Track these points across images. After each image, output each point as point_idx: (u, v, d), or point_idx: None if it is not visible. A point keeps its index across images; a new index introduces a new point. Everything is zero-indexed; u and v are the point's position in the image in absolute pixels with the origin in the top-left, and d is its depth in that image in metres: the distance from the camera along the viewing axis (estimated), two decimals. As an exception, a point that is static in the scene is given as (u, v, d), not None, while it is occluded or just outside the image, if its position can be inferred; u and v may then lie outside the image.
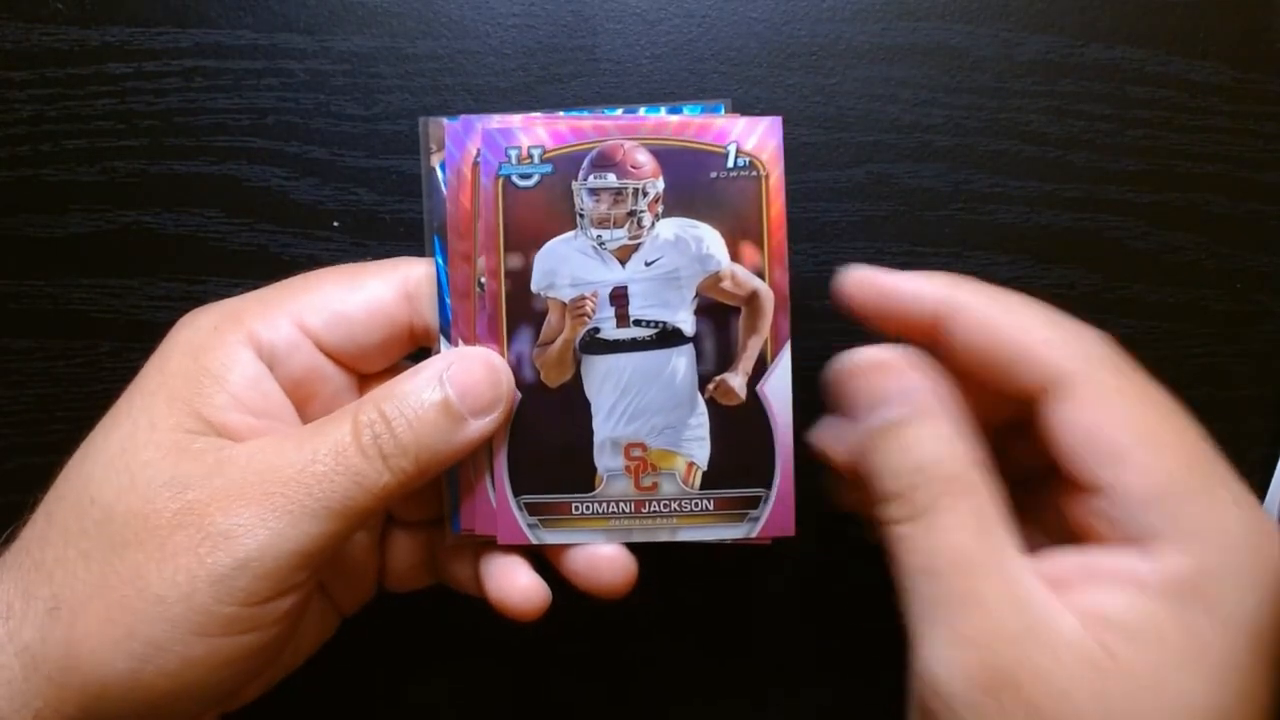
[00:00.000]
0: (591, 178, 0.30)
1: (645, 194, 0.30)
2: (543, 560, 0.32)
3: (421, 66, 0.36)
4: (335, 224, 0.37)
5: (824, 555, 0.37)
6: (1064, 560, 0.26)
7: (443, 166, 0.30)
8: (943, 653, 0.25)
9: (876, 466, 0.27)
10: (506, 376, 0.30)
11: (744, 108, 0.37)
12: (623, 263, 0.30)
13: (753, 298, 0.30)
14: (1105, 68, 0.37)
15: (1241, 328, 0.38)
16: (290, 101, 0.36)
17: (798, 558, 0.37)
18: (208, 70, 0.36)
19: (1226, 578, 0.24)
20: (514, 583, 0.31)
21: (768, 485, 0.31)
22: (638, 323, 0.30)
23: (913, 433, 0.27)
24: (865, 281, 0.29)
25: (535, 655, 0.38)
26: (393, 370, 0.32)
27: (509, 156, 0.30)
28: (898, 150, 0.37)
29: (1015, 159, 0.37)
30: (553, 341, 0.30)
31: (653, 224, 0.30)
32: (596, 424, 0.31)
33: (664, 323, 0.30)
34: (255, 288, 0.31)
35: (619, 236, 0.30)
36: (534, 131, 0.30)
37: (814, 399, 0.37)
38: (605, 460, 0.31)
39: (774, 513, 0.31)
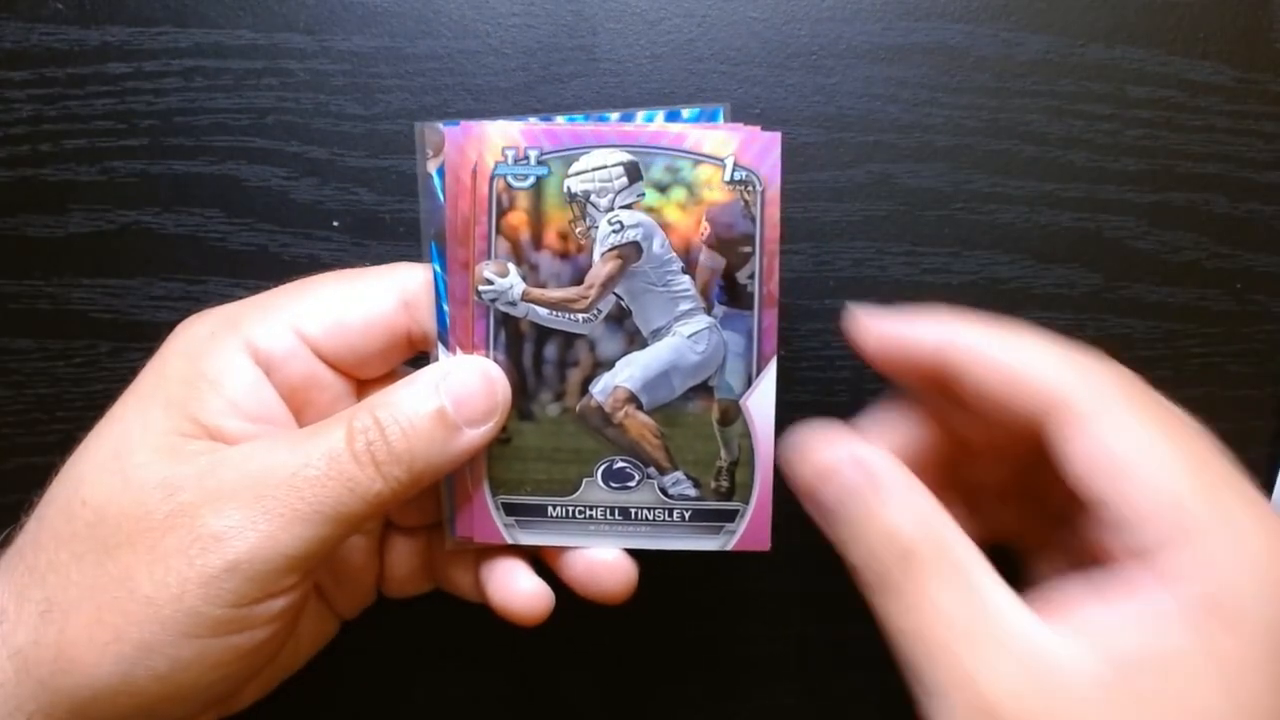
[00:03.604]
0: None
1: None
2: (542, 565, 0.32)
3: (421, 66, 0.36)
4: (335, 224, 0.37)
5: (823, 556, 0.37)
6: (1074, 590, 0.25)
7: (439, 173, 0.30)
8: (947, 718, 0.24)
9: (851, 557, 0.27)
10: (502, 386, 0.30)
11: (744, 108, 0.37)
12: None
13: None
14: (1105, 68, 0.37)
15: (1241, 328, 0.38)
16: (290, 101, 0.36)
17: (807, 559, 0.37)
18: (208, 70, 0.36)
19: (1244, 588, 0.23)
20: (516, 587, 0.31)
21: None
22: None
23: (879, 518, 0.27)
24: (868, 329, 0.30)
25: (536, 659, 0.38)
26: (391, 376, 0.32)
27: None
28: (898, 150, 0.37)
29: (1015, 159, 0.37)
30: None
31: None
32: None
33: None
34: (255, 288, 0.31)
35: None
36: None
37: (811, 399, 0.37)
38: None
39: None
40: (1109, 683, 0.23)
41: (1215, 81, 0.37)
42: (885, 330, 0.29)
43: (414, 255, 0.36)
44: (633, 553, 0.31)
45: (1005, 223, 0.37)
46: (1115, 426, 0.25)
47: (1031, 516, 0.32)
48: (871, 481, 0.27)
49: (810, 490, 0.29)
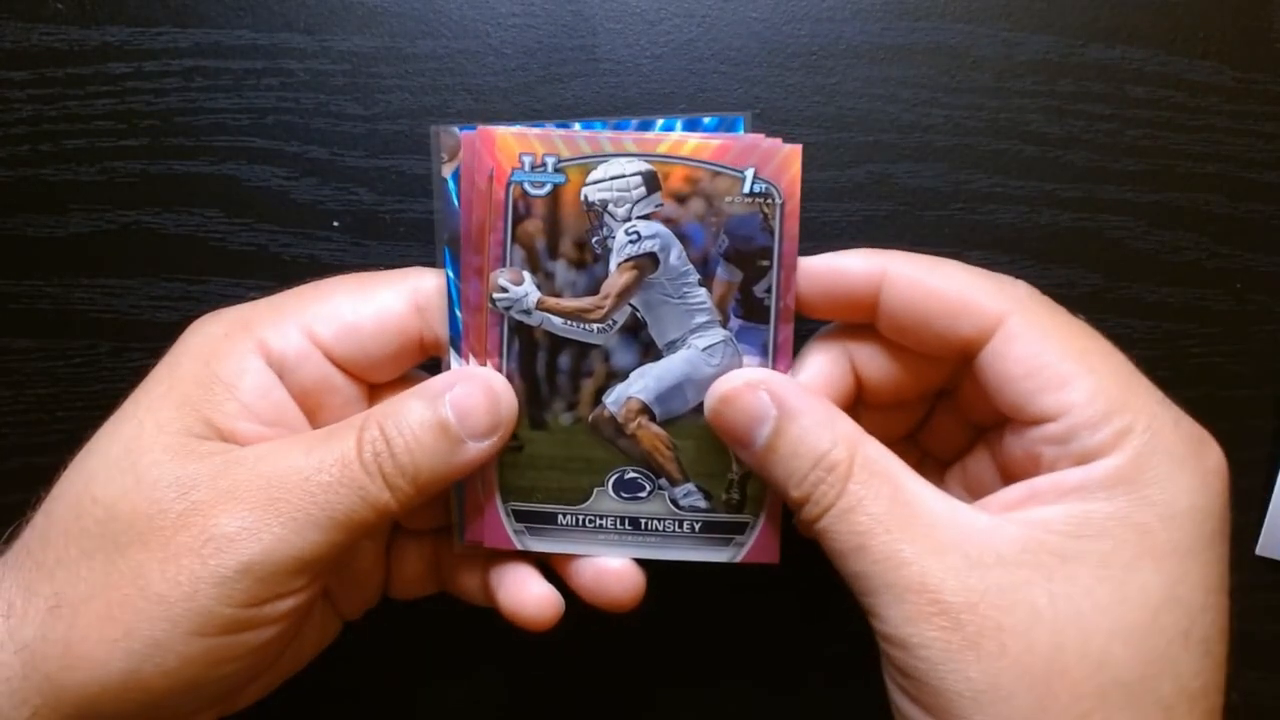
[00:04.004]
0: None
1: None
2: (550, 572, 0.32)
3: (421, 66, 0.36)
4: (335, 224, 0.37)
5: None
6: (1008, 492, 0.27)
7: (453, 177, 0.30)
8: (897, 612, 0.25)
9: (778, 480, 0.28)
10: (507, 400, 0.29)
11: (744, 108, 0.37)
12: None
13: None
14: (1105, 68, 0.37)
15: (1241, 328, 0.38)
16: (290, 101, 0.36)
17: (814, 573, 0.37)
18: (208, 70, 0.36)
19: (1161, 467, 0.25)
20: (527, 592, 0.31)
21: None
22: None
23: (792, 435, 0.27)
24: (813, 261, 0.30)
25: (538, 663, 0.38)
26: (404, 380, 0.32)
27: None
28: (898, 150, 0.37)
29: (1015, 159, 0.37)
30: None
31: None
32: None
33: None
34: (256, 288, 0.31)
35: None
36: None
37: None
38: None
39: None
40: (1043, 563, 0.25)
41: (1215, 81, 0.37)
42: (813, 267, 0.30)
43: (414, 255, 0.36)
44: (642, 563, 0.31)
45: (1005, 223, 0.37)
46: (1048, 341, 0.27)
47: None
48: (780, 402, 0.28)
49: (716, 416, 0.29)
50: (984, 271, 0.29)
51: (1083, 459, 0.26)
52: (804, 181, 0.37)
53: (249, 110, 0.36)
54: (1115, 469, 0.25)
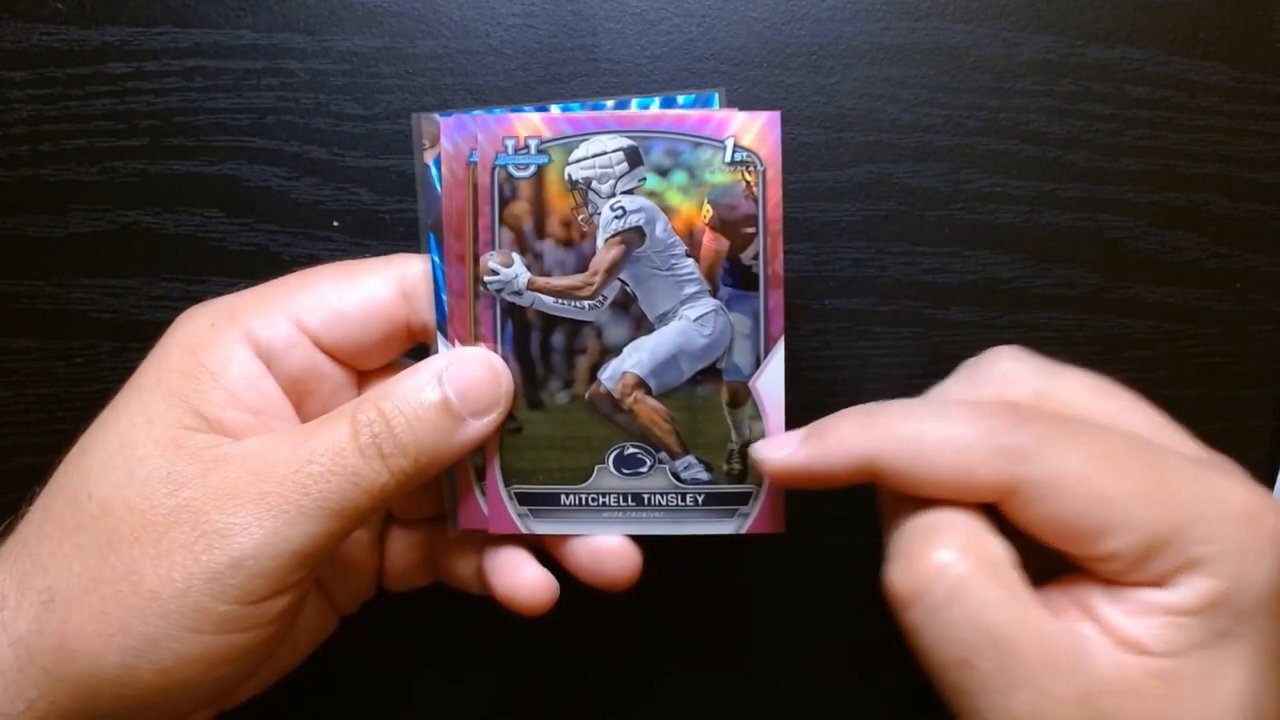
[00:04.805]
0: None
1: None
2: (544, 554, 0.32)
3: (421, 66, 0.36)
4: (335, 224, 0.37)
5: (829, 554, 0.37)
6: (1088, 593, 0.26)
7: (436, 163, 0.30)
8: None
9: (936, 657, 0.26)
10: (505, 377, 0.30)
11: (744, 108, 0.36)
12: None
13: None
14: (1105, 68, 0.37)
15: (1241, 328, 0.38)
16: (290, 101, 0.36)
17: (813, 556, 0.37)
18: (208, 70, 0.36)
19: (1237, 573, 0.24)
20: (521, 577, 0.31)
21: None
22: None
23: (910, 520, 0.27)
24: (785, 466, 0.28)
25: (537, 655, 0.38)
26: (391, 367, 0.32)
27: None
28: (898, 150, 0.37)
29: (1015, 159, 0.37)
30: None
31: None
32: None
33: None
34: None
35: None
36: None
37: (811, 399, 0.37)
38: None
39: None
40: (1152, 691, 0.24)
41: (1215, 81, 0.37)
42: (800, 460, 0.28)
43: (413, 253, 0.36)
44: (646, 541, 0.31)
45: (1005, 223, 0.37)
46: (1077, 496, 0.25)
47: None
48: (962, 583, 0.25)
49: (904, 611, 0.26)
50: (987, 415, 0.26)
51: (1157, 581, 0.25)
52: (804, 181, 0.37)
53: (249, 110, 0.36)
54: (1197, 594, 0.24)
